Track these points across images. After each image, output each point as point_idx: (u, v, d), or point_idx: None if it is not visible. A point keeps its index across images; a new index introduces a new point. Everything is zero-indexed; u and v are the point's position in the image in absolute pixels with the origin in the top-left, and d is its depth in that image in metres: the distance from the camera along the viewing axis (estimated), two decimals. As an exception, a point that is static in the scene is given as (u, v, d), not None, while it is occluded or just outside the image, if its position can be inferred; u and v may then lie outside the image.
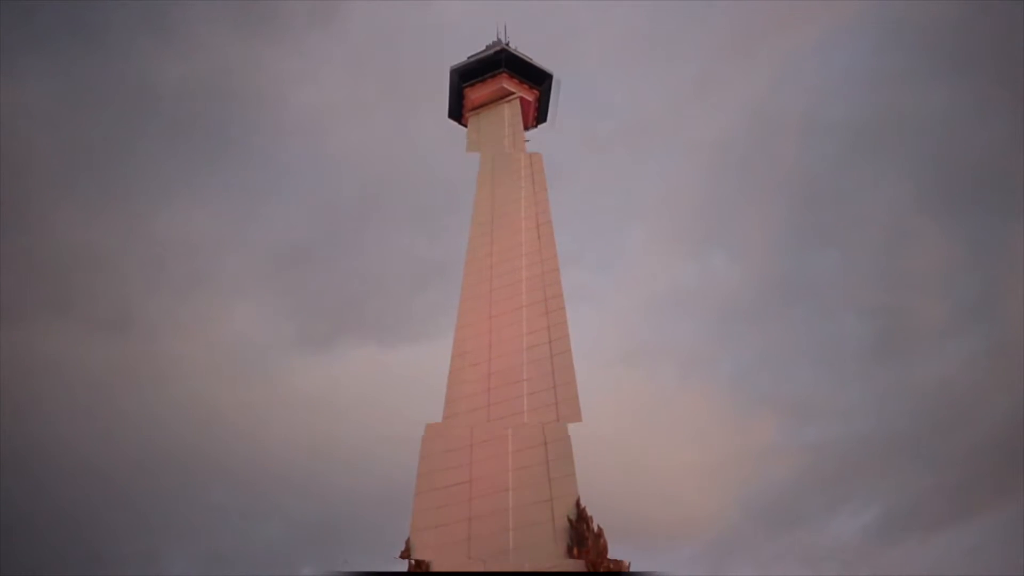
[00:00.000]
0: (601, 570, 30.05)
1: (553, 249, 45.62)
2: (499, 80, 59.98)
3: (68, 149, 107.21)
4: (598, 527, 32.29)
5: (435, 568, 33.40)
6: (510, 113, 57.68)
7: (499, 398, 39.33)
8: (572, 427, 36.57)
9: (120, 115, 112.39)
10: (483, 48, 62.53)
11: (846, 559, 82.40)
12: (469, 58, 62.09)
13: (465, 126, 60.41)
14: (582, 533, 31.93)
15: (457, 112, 62.34)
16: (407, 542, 34.40)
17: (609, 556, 31.44)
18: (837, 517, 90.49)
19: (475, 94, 60.58)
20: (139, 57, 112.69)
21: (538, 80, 61.38)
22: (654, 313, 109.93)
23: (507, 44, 61.62)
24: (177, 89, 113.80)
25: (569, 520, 32.57)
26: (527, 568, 31.94)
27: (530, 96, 60.80)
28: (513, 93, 59.60)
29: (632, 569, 31.45)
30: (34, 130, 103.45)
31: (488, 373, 40.81)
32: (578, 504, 33.17)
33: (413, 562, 33.80)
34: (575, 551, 31.24)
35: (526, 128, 58.95)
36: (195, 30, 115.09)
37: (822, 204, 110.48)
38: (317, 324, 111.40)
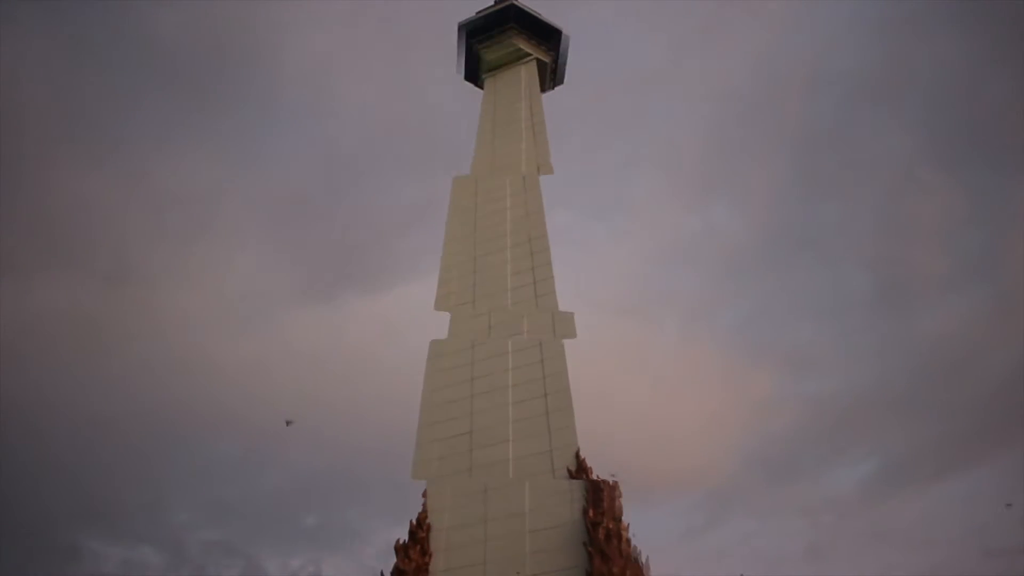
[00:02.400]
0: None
1: (537, 191, 46.13)
2: (509, 36, 58.82)
3: (66, 100, 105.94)
4: (614, 482, 32.73)
5: (451, 534, 33.77)
6: (527, 75, 56.80)
7: (484, 342, 39.84)
8: (572, 376, 37.02)
9: (118, 65, 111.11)
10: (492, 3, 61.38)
11: (842, 510, 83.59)
12: (477, 13, 60.72)
13: (482, 88, 59.35)
14: (598, 497, 32.24)
15: (473, 73, 61.28)
16: (424, 505, 34.74)
17: (625, 520, 31.87)
18: (835, 468, 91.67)
19: (490, 55, 59.38)
20: (137, 6, 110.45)
21: (548, 37, 60.03)
22: (656, 263, 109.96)
23: (515, -1, 60.51)
24: (175, 38, 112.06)
25: (568, 471, 33.09)
26: (544, 527, 32.41)
27: (547, 58, 59.69)
28: (529, 55, 58.48)
29: (632, 519, 32.11)
30: (32, 81, 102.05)
31: (473, 315, 41.26)
32: (577, 455, 33.71)
33: (414, 522, 34.10)
34: (591, 514, 31.59)
35: (543, 91, 58.27)
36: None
37: (826, 155, 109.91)
38: (318, 274, 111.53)
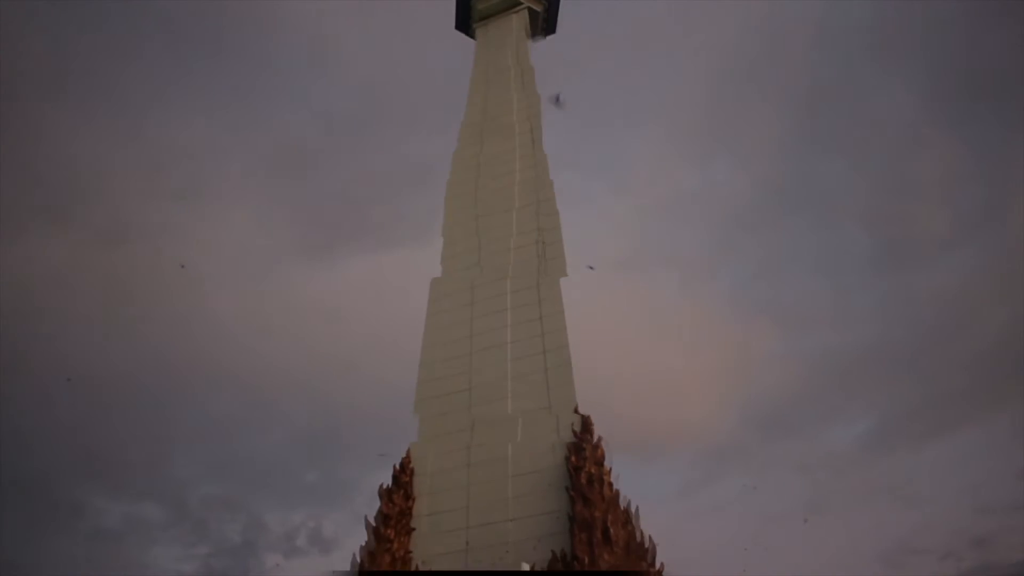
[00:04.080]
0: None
1: (543, 153, 45.49)
2: (505, -12, 58.02)
3: (61, 55, 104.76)
4: (598, 438, 32.70)
5: (434, 478, 34.03)
6: (518, 24, 56.13)
7: (484, 295, 39.85)
8: (571, 330, 36.77)
9: (112, 18, 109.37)
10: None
11: (840, 467, 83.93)
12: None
13: (473, 37, 58.54)
14: (580, 443, 32.39)
15: (465, 23, 60.20)
16: (408, 451, 34.99)
17: (608, 465, 31.88)
18: (833, 425, 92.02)
19: (482, 3, 58.52)
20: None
21: (546, -10, 59.20)
22: (656, 219, 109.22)
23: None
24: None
25: (573, 431, 33.00)
26: (527, 471, 32.60)
27: (538, 6, 58.81)
28: (521, 3, 57.64)
29: (629, 475, 32.06)
30: (25, 36, 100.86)
31: (471, 278, 41.06)
32: (577, 412, 33.57)
33: (397, 467, 34.25)
34: (573, 459, 31.76)
35: (534, 39, 57.60)
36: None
37: (827, 111, 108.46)
38: (317, 230, 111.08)
